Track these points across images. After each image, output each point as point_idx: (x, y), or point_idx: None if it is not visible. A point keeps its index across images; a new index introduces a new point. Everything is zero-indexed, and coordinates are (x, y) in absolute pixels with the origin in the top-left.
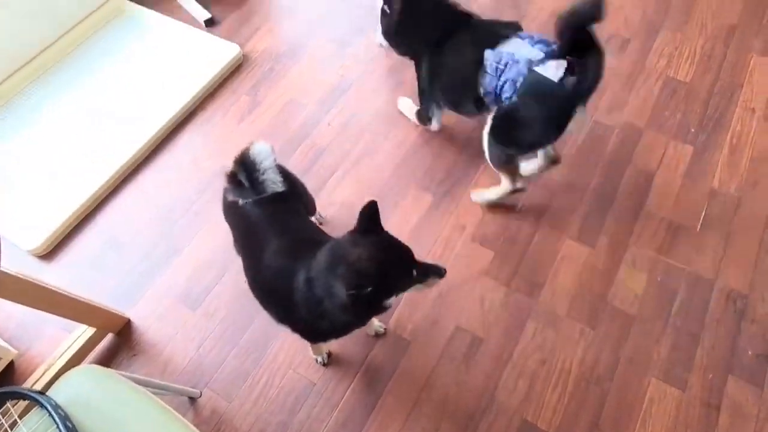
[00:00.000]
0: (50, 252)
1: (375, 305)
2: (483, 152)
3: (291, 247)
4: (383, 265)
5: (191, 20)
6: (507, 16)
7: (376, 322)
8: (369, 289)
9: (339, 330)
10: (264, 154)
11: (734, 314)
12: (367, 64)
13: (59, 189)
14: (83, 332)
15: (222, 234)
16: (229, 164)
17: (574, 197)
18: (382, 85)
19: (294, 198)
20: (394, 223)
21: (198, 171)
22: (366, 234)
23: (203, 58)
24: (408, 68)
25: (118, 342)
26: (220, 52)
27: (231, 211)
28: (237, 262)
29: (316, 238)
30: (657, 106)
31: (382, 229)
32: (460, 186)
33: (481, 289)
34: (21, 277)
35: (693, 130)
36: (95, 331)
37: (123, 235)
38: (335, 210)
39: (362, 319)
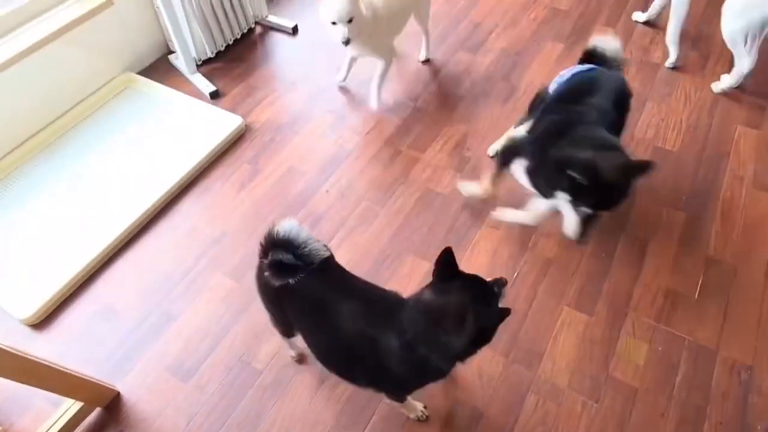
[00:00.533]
0: (42, 321)
1: (487, 339)
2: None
3: (366, 307)
4: (482, 301)
5: (197, 93)
6: (498, 89)
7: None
8: (482, 330)
9: (433, 378)
10: (295, 228)
11: (740, 386)
12: (364, 135)
13: (56, 258)
14: (70, 406)
15: (217, 303)
16: (226, 231)
17: (571, 264)
18: (379, 155)
19: (333, 258)
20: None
21: (197, 238)
22: (449, 280)
23: (206, 129)
24: (404, 137)
25: (106, 416)
26: (224, 123)
27: (279, 296)
28: (231, 332)
29: (382, 293)
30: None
31: (460, 271)
32: (456, 253)
33: (478, 360)
34: (5, 349)
35: (685, 198)
36: (82, 406)
37: (117, 303)
38: None
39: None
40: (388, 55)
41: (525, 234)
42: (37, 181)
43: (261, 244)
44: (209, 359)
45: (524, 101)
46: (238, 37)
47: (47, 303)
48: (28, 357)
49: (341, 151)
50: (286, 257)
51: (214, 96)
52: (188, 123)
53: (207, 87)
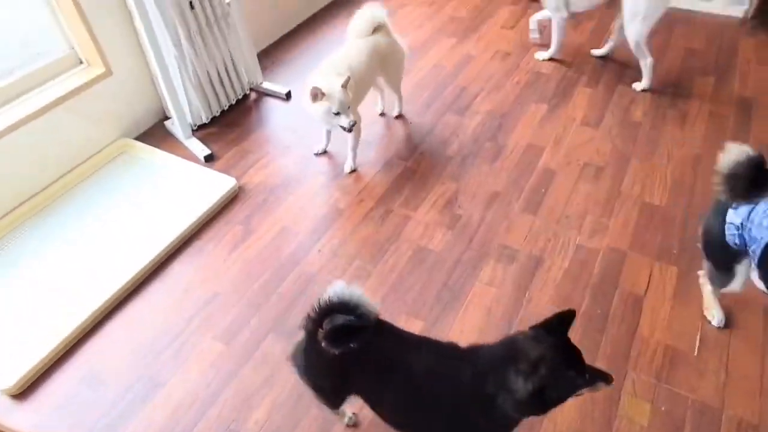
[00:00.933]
0: (24, 391)
1: (549, 405)
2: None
3: (437, 351)
4: (564, 367)
5: (192, 157)
6: (486, 150)
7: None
8: (549, 387)
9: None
10: (347, 290)
11: None
12: (356, 195)
13: (43, 323)
14: None
15: (206, 367)
16: (218, 293)
17: None
18: (370, 214)
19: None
20: None
21: (187, 300)
22: (549, 333)
23: (200, 191)
24: (395, 197)
25: None
26: (217, 185)
27: (339, 365)
28: (220, 398)
29: (443, 341)
30: (637, 229)
31: (566, 336)
32: (450, 311)
33: None
34: None
35: (675, 252)
36: None
37: (103, 371)
38: None
39: (522, 417)
40: (357, 123)
41: (519, 290)
42: (30, 245)
43: (311, 316)
44: (197, 428)
45: (511, 160)
46: (234, 102)
47: (30, 372)
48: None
49: (333, 211)
50: (349, 319)
51: (209, 159)
52: (182, 186)
53: (202, 151)
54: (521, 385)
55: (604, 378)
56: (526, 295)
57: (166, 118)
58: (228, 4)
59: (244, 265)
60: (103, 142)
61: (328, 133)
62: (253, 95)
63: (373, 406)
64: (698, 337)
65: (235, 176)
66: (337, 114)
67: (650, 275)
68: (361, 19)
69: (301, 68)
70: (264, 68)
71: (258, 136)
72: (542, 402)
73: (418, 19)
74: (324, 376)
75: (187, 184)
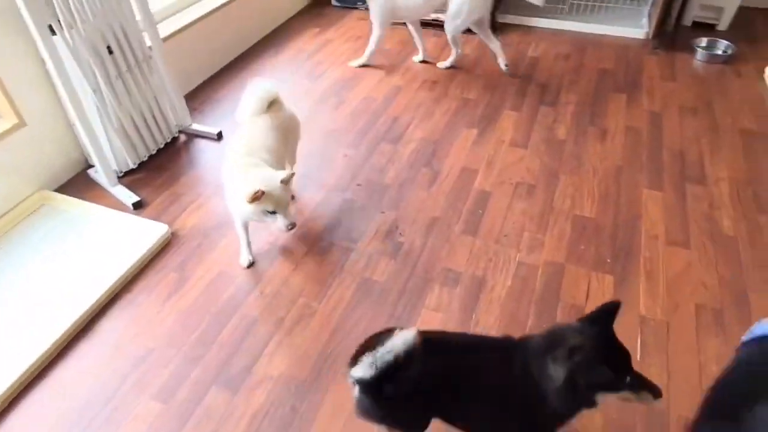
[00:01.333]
0: None
1: (586, 396)
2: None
3: (494, 350)
4: (601, 357)
5: (119, 205)
6: (422, 175)
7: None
8: (585, 375)
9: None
10: (401, 336)
11: None
12: (296, 230)
13: None
14: None
15: (143, 431)
16: (152, 348)
17: None
18: (312, 249)
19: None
20: (335, 392)
21: (119, 358)
22: (593, 325)
23: (130, 241)
24: (336, 229)
25: None
26: (148, 232)
27: (407, 401)
28: None
29: (499, 336)
30: (571, 241)
31: (611, 328)
32: None
33: None
34: None
35: (609, 260)
36: None
37: None
38: (270, 386)
39: (571, 409)
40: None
41: (466, 312)
42: None
43: (364, 388)
44: None
45: (447, 184)
46: (162, 146)
47: None
48: None
49: (273, 249)
50: (404, 372)
51: (138, 206)
52: (110, 236)
53: (130, 198)
54: (556, 372)
55: (652, 390)
56: (473, 317)
57: (90, 166)
58: (149, 47)
59: (179, 315)
60: (20, 195)
61: (247, 242)
62: (183, 137)
63: (452, 420)
64: (639, 343)
65: (167, 222)
66: (273, 213)
67: (588, 286)
68: (254, 97)
69: (231, 108)
70: (193, 109)
71: (189, 179)
72: (578, 391)
73: (345, 54)
74: (406, 413)
75: (115, 235)
